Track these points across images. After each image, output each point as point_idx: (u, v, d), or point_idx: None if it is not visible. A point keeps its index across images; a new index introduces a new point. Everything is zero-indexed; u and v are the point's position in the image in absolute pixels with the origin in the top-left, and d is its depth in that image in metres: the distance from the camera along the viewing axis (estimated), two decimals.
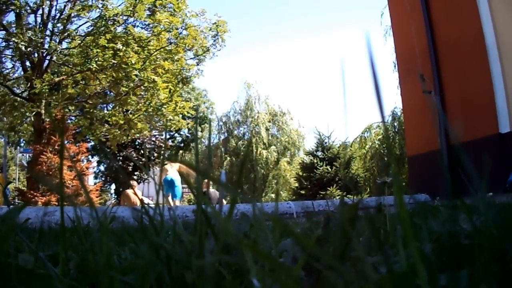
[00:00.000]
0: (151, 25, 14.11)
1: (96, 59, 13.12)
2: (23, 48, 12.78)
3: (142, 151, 24.33)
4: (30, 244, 0.63)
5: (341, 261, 0.41)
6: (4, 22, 13.45)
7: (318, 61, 73.12)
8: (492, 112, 6.90)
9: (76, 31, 14.29)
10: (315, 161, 17.23)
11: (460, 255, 0.48)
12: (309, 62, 71.53)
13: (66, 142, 14.65)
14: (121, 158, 25.02)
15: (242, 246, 0.42)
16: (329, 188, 15.61)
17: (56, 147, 14.29)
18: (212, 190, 7.61)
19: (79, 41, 13.86)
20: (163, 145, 25.05)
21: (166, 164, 7.81)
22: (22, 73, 14.38)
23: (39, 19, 14.13)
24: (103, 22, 13.46)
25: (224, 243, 0.46)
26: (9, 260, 0.52)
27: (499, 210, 0.64)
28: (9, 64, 14.60)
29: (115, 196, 26.53)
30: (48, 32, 13.96)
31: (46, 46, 13.42)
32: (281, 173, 22.29)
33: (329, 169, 16.80)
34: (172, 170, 7.93)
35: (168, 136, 26.32)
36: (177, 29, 14.49)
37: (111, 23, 13.57)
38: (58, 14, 14.24)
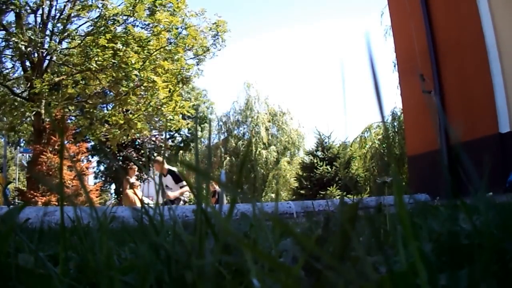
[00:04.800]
0: (151, 25, 14.12)
1: (96, 59, 13.13)
2: (23, 48, 12.79)
3: (142, 151, 24.33)
4: (30, 244, 0.63)
5: (341, 261, 0.41)
6: (4, 22, 13.45)
7: (318, 61, 73.13)
8: (492, 112, 6.90)
9: (76, 31, 14.29)
10: (315, 161, 17.23)
11: (460, 255, 0.48)
12: (309, 62, 71.54)
13: (66, 142, 14.66)
14: (121, 158, 25.02)
15: (242, 246, 0.42)
16: (329, 188, 15.62)
17: (56, 147, 14.30)
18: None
19: (79, 41, 13.86)
20: (163, 145, 25.07)
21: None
22: (22, 73, 14.38)
23: (39, 19, 14.14)
24: (103, 22, 13.47)
25: (224, 243, 0.46)
26: (9, 260, 0.52)
27: (499, 210, 0.64)
28: (9, 64, 14.63)
29: (115, 196, 26.55)
30: (48, 32, 13.97)
31: (46, 46, 13.43)
32: (281, 173, 22.29)
33: (329, 169, 16.81)
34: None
35: (168, 136, 26.33)
36: (177, 28, 14.50)
37: (111, 23, 13.58)
38: (58, 14, 14.25)
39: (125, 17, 13.71)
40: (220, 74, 57.13)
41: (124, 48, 13.18)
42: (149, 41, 13.83)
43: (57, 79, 13.88)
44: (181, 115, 15.81)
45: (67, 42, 14.44)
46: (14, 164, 32.72)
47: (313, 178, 16.91)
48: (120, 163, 24.73)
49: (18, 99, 14.11)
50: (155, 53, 13.90)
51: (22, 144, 23.73)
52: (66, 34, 14.02)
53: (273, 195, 21.50)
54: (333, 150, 17.65)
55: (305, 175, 17.38)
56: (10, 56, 14.18)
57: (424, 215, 0.83)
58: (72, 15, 14.04)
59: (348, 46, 59.66)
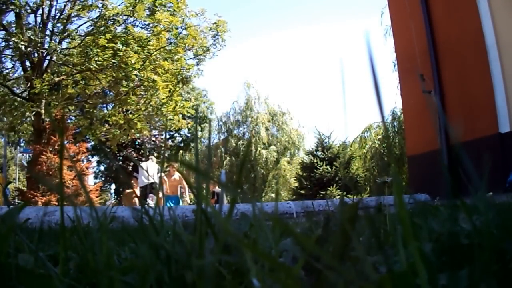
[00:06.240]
0: (151, 25, 14.12)
1: (96, 59, 13.13)
2: (23, 48, 12.79)
3: (142, 151, 24.34)
4: (30, 244, 0.63)
5: (341, 261, 0.41)
6: (4, 22, 13.45)
7: (318, 61, 73.12)
8: (492, 112, 6.90)
9: (76, 31, 14.30)
10: (315, 161, 17.23)
11: (460, 255, 0.48)
12: (309, 62, 71.53)
13: (66, 142, 14.66)
14: (121, 158, 25.03)
15: (242, 246, 0.42)
16: (329, 188, 15.61)
17: (56, 147, 14.30)
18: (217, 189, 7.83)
19: (79, 41, 13.87)
20: (163, 145, 25.06)
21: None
22: (22, 73, 14.39)
23: (39, 19, 14.15)
24: (103, 22, 13.48)
25: (224, 243, 0.46)
26: (9, 260, 0.52)
27: (499, 210, 0.64)
28: (9, 64, 14.64)
29: (115, 196, 26.55)
30: (48, 32, 13.98)
31: (46, 46, 13.43)
32: (281, 173, 22.28)
33: (329, 169, 16.81)
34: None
35: (168, 136, 26.33)
36: (177, 28, 14.50)
37: (111, 23, 13.59)
38: (58, 14, 14.26)
39: (125, 17, 13.71)
40: (220, 74, 57.11)
41: (124, 48, 13.18)
42: (149, 41, 13.83)
43: (57, 79, 13.88)
44: (181, 115, 15.82)
45: (67, 42, 14.45)
46: (14, 164, 32.70)
47: (313, 178, 16.91)
48: (120, 163, 24.74)
49: (18, 99, 14.12)
50: (155, 53, 13.90)
51: (22, 144, 23.73)
52: (66, 34, 14.03)
53: (273, 195, 21.49)
54: (333, 150, 17.65)
55: (305, 175, 17.38)
56: (10, 56, 14.19)
57: (424, 215, 0.82)
58: (72, 15, 14.05)
59: (348, 46, 59.64)
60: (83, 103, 15.20)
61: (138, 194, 8.29)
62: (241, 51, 67.92)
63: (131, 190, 8.74)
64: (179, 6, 14.33)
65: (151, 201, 7.65)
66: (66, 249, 0.53)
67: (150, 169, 8.36)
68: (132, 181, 8.67)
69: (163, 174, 7.50)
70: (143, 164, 8.73)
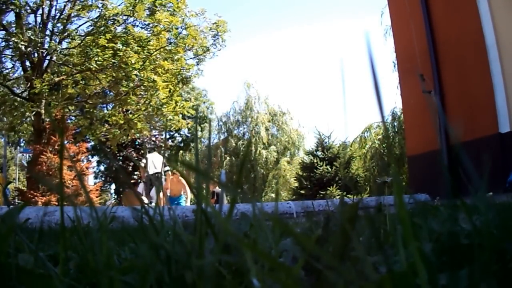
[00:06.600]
0: (151, 25, 14.13)
1: (96, 59, 13.13)
2: (23, 48, 12.79)
3: (142, 151, 24.34)
4: (30, 244, 0.63)
5: (341, 261, 0.41)
6: (4, 22, 13.45)
7: (318, 61, 73.09)
8: (492, 112, 6.90)
9: (76, 31, 14.31)
10: (315, 161, 17.23)
11: (460, 255, 0.48)
12: (309, 62, 71.52)
13: (66, 142, 14.67)
14: (121, 158, 25.03)
15: (242, 246, 0.42)
16: (329, 188, 15.61)
17: (56, 147, 14.31)
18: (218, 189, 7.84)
19: (79, 41, 13.87)
20: (163, 145, 25.11)
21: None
22: (22, 73, 14.39)
23: (39, 19, 14.15)
24: (103, 22, 13.48)
25: (224, 243, 0.46)
26: (9, 260, 0.52)
27: (499, 210, 0.64)
28: (9, 64, 14.64)
29: (115, 196, 26.56)
30: (48, 32, 13.99)
31: (46, 46, 13.43)
32: (281, 173, 22.28)
33: (329, 169, 16.80)
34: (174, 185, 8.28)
35: (168, 136, 26.33)
36: (177, 28, 14.51)
37: (111, 22, 13.59)
38: (58, 14, 14.27)
39: (125, 17, 13.71)
40: (220, 74, 57.10)
41: (124, 48, 13.18)
42: (149, 41, 13.84)
43: (57, 79, 13.88)
44: (181, 115, 15.82)
45: (67, 42, 14.46)
46: (14, 164, 32.70)
47: (313, 178, 16.90)
48: (120, 163, 24.75)
49: (18, 99, 14.12)
50: (155, 53, 13.90)
51: (22, 144, 23.74)
52: (66, 34, 14.03)
53: (273, 195, 21.48)
54: (333, 150, 17.65)
55: (305, 175, 17.38)
56: (10, 56, 14.20)
57: (424, 215, 0.82)
58: (72, 15, 14.05)
59: (348, 46, 59.59)
60: (83, 103, 15.20)
61: (144, 185, 8.32)
62: (241, 51, 67.91)
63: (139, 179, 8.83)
64: (179, 6, 14.34)
65: (152, 201, 7.66)
66: (66, 249, 0.53)
67: (155, 160, 8.35)
68: (139, 171, 8.67)
69: (168, 174, 7.45)
70: (148, 156, 8.75)
